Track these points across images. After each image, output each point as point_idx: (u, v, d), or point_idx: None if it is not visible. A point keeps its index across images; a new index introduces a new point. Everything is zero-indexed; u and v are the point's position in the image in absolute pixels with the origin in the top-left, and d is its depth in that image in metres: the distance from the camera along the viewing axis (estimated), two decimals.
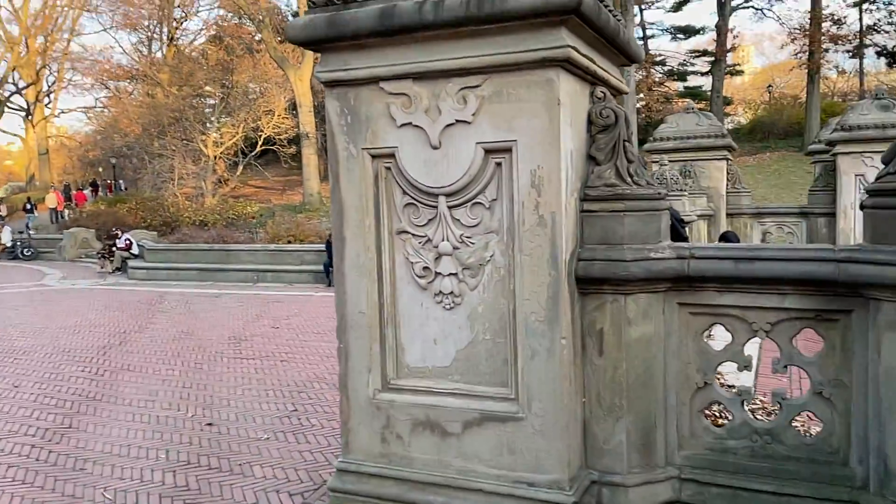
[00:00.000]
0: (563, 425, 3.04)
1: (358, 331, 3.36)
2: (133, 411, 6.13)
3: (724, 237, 9.05)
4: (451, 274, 3.19)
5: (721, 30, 36.28)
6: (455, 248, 3.16)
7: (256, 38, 35.42)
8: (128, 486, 4.47)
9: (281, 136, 32.53)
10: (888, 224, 2.78)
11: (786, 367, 3.16)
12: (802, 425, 4.30)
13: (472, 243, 3.14)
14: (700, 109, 12.58)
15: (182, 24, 44.05)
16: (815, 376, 3.08)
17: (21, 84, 45.05)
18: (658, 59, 39.98)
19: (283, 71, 31.68)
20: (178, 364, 7.99)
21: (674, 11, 40.89)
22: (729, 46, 37.62)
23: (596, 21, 2.93)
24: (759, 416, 4.57)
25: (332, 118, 3.25)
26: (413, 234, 3.25)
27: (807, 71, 35.07)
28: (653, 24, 43.01)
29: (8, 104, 44.74)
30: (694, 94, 38.08)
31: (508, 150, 2.97)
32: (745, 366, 3.21)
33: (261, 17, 32.14)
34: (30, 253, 26.08)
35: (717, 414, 4.44)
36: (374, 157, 3.22)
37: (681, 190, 9.38)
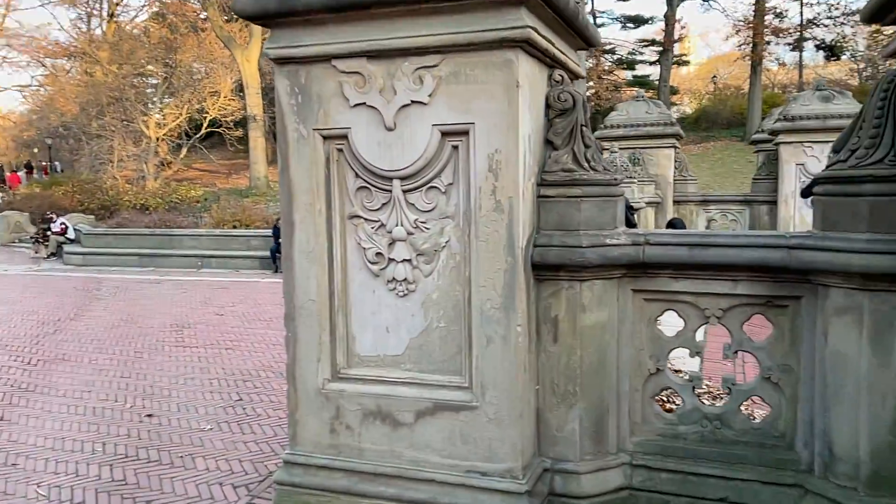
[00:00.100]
0: (518, 414, 3.00)
1: (307, 319, 3.25)
2: (68, 403, 5.86)
3: (672, 224, 9.21)
4: (404, 260, 3.10)
5: (669, 20, 36.87)
6: (409, 233, 3.08)
7: (202, 16, 34.33)
8: (62, 482, 4.26)
9: (227, 119, 31.67)
10: (838, 211, 2.82)
11: (736, 352, 3.19)
12: (747, 409, 4.39)
13: (427, 229, 3.06)
14: (649, 98, 12.74)
15: None
16: (765, 361, 3.11)
17: None
18: (608, 47, 40.43)
19: (229, 51, 30.80)
20: (116, 353, 7.69)
21: (624, 0, 41.42)
22: (676, 37, 38.29)
23: (556, 1, 2.86)
24: (704, 401, 4.64)
25: (282, 97, 3.12)
26: (366, 219, 3.15)
27: (750, 62, 35.98)
28: (603, 12, 43.44)
29: None
30: (642, 83, 38.67)
31: (465, 133, 2.90)
32: (696, 352, 3.23)
33: None
34: None
35: (665, 399, 4.50)
36: (325, 138, 3.10)
37: (630, 177, 9.49)
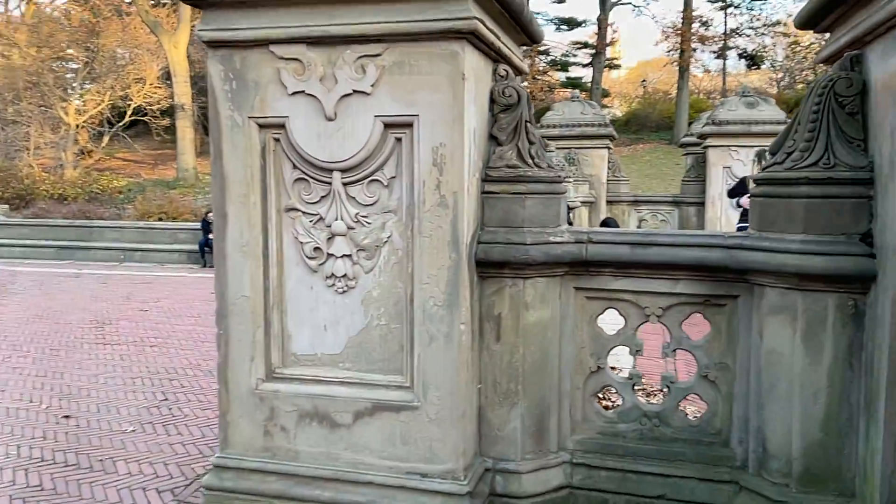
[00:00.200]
0: (460, 413, 2.94)
1: (240, 316, 3.10)
2: None
3: (605, 223, 9.36)
4: (344, 255, 3.00)
5: (602, 24, 37.63)
6: (350, 227, 2.97)
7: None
8: None
9: (153, 107, 30.47)
10: (774, 212, 2.87)
11: (675, 350, 3.22)
12: (683, 407, 4.47)
13: (369, 223, 2.96)
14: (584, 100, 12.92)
15: None
16: (702, 359, 3.15)
17: None
18: (542, 48, 40.94)
19: (156, 37, 29.63)
20: (30, 351, 7.25)
21: (558, 2, 42.01)
22: (608, 40, 39.11)
23: None
24: (641, 398, 4.71)
25: (215, 83, 2.95)
26: (303, 212, 3.02)
27: (678, 68, 37.11)
28: (538, 13, 43.97)
29: None
30: (575, 84, 39.31)
31: (409, 126, 2.81)
32: (637, 350, 3.25)
33: None
34: None
35: (601, 396, 4.53)
36: (261, 126, 2.96)
37: (566, 176, 9.57)
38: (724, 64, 41.69)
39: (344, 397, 3.06)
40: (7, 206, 21.86)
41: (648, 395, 5.02)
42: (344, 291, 3.04)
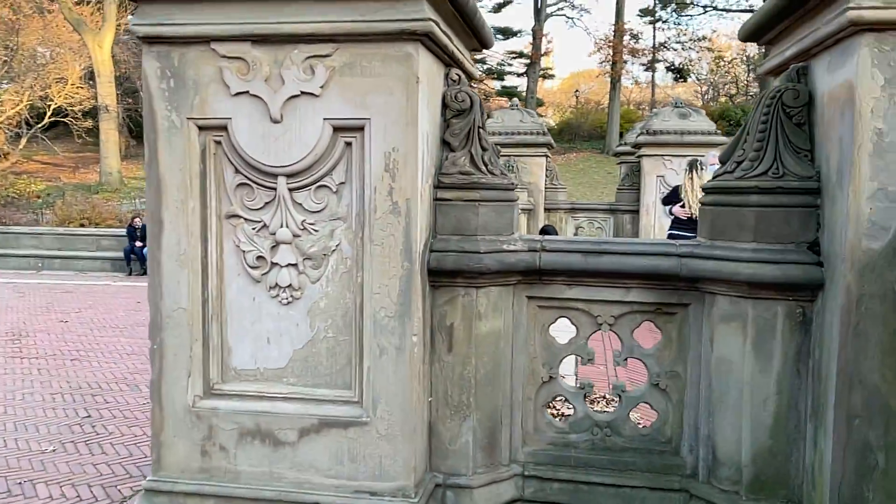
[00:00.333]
0: (412, 428, 2.84)
1: (176, 329, 2.92)
2: None
3: (545, 230, 9.43)
4: (289, 264, 2.85)
5: (536, 34, 38.28)
6: (295, 235, 2.83)
7: None
8: None
9: (75, 108, 29.14)
10: (724, 220, 2.89)
11: (626, 359, 3.20)
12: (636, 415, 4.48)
13: (316, 230, 2.83)
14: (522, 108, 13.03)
15: None
16: (653, 368, 3.15)
17: None
18: (479, 56, 41.34)
19: (79, 35, 28.36)
20: None
21: (494, 12, 42.45)
22: (543, 51, 39.80)
23: None
24: (594, 407, 4.71)
25: (151, 81, 2.77)
26: (246, 219, 2.87)
27: (610, 79, 38.06)
28: None
29: None
30: (510, 93, 39.77)
31: (360, 129, 2.70)
32: (588, 359, 3.22)
33: None
34: None
35: (554, 407, 4.50)
36: (201, 128, 2.79)
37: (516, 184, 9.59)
38: (653, 76, 43.08)
39: (288, 414, 2.91)
40: None
41: (592, 401, 5.03)
42: (289, 302, 2.89)
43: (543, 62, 41.32)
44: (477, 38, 3.32)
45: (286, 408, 2.92)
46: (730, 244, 2.84)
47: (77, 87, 29.13)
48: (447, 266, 2.90)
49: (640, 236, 11.18)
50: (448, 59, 3.02)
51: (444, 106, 3.03)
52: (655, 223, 10.92)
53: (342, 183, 2.79)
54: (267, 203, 2.84)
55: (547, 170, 11.84)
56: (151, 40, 2.73)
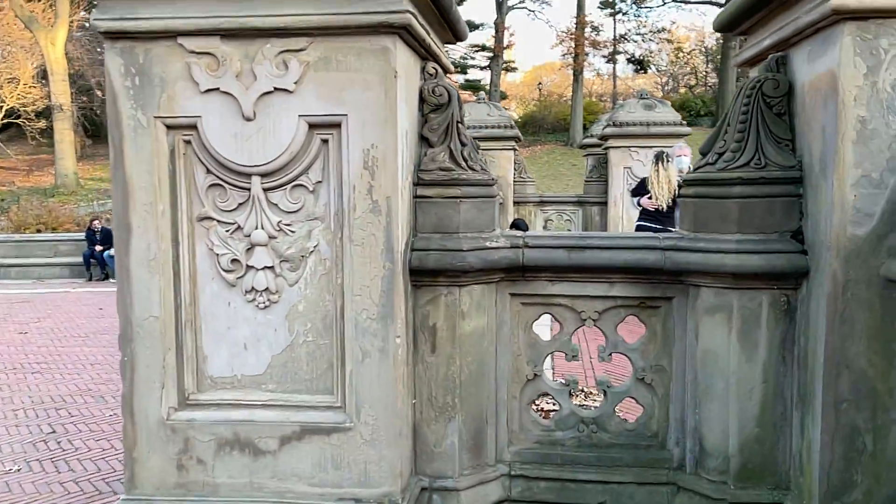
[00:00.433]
0: (397, 432, 2.76)
1: (148, 339, 2.79)
2: None
3: (515, 225, 9.40)
4: (266, 267, 2.75)
5: (499, 27, 38.31)
6: (271, 237, 2.73)
7: None
8: None
9: (27, 108, 28.31)
10: (708, 212, 2.87)
11: (611, 354, 3.17)
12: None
13: (293, 231, 2.73)
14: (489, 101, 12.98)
15: None
16: (638, 362, 3.12)
17: None
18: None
19: (31, 33, 27.51)
20: None
21: (456, 5, 42.15)
22: (506, 44, 39.85)
23: None
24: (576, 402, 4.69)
25: (115, 79, 2.63)
26: (219, 221, 2.75)
27: (572, 71, 38.29)
28: None
29: None
30: (474, 87, 39.76)
31: (337, 126, 2.61)
32: (573, 356, 3.18)
33: None
34: None
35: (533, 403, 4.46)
36: (170, 127, 2.67)
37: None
38: (615, 68, 43.50)
39: (268, 422, 2.81)
40: None
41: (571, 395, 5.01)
42: (266, 306, 2.79)
43: (506, 55, 41.39)
44: (452, 31, 3.25)
45: (266, 415, 2.82)
46: (714, 236, 2.82)
47: (30, 87, 28.30)
48: (429, 265, 2.83)
49: (608, 228, 11.24)
50: (424, 53, 2.94)
51: (422, 100, 2.95)
52: (623, 215, 10.98)
53: (319, 182, 2.69)
54: (241, 204, 2.73)
55: (515, 163, 11.83)
56: (114, 36, 2.59)
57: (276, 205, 2.71)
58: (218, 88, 2.60)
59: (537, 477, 3.15)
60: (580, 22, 37.71)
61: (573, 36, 37.93)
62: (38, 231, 17.06)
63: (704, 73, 45.69)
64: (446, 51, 3.35)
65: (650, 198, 7.87)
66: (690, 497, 2.99)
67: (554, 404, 4.28)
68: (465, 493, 3.04)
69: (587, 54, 39.33)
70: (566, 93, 42.32)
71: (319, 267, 2.75)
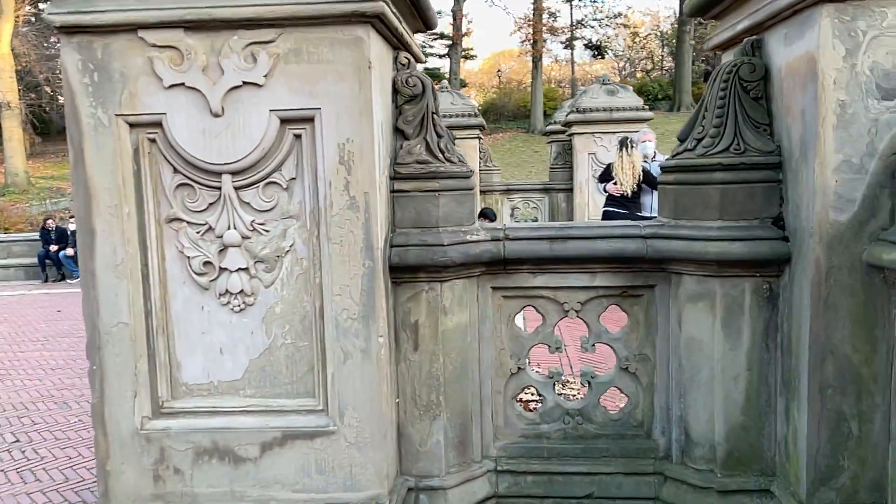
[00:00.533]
0: (382, 434, 2.70)
1: (117, 346, 2.67)
2: None
3: (483, 214, 9.35)
4: (240, 269, 2.65)
5: (456, 15, 38.09)
6: (245, 237, 2.62)
7: None
8: None
9: None
10: (689, 199, 2.84)
11: (594, 344, 3.14)
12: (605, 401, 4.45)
13: (267, 231, 2.63)
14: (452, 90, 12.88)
15: None
16: (621, 352, 3.10)
17: None
18: None
19: None
20: None
21: None
22: (464, 31, 39.67)
23: None
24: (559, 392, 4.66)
25: (72, 75, 2.49)
26: (189, 222, 2.64)
27: (531, 58, 38.32)
28: None
29: None
30: (434, 75, 39.53)
31: (310, 120, 2.51)
32: (556, 348, 3.14)
33: None
34: None
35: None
36: (133, 125, 2.54)
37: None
38: (572, 54, 43.68)
39: (248, 428, 2.72)
40: None
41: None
42: (241, 309, 2.69)
43: (464, 43, 41.23)
44: (422, 19, 3.16)
45: (245, 422, 2.73)
46: (696, 223, 2.80)
47: None
48: (409, 261, 2.76)
49: (574, 214, 11.28)
50: (397, 42, 2.86)
51: (395, 91, 2.87)
52: (589, 201, 11.01)
53: (293, 179, 2.59)
54: (211, 204, 2.61)
55: (480, 151, 11.77)
56: (70, 30, 2.45)
57: (248, 204, 2.61)
58: (183, 84, 2.48)
59: (524, 471, 3.11)
60: (538, 8, 37.73)
61: (531, 22, 37.93)
62: None
63: (660, 57, 46.20)
64: None
65: (615, 183, 7.91)
66: (677, 486, 2.98)
67: (534, 395, 4.26)
68: (452, 491, 2.99)
69: (545, 41, 39.41)
70: (525, 79, 42.39)
71: (296, 267, 2.66)
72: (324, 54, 2.46)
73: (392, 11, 2.58)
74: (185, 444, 2.73)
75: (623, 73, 46.50)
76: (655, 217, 7.89)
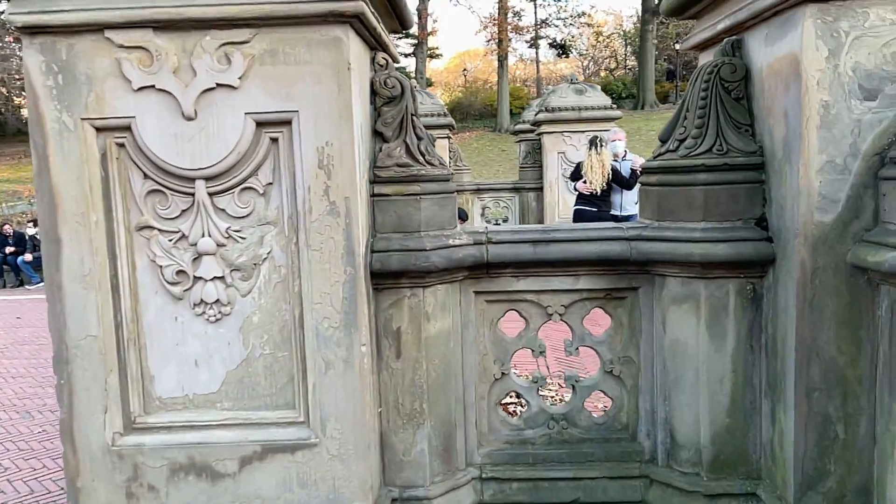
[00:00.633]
0: (366, 445, 2.62)
1: (86, 360, 2.55)
2: None
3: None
4: (215, 278, 2.55)
5: (422, 14, 37.93)
6: (220, 245, 2.53)
7: None
8: None
9: None
10: (673, 201, 2.82)
11: (577, 348, 3.11)
12: (591, 405, 4.41)
13: (243, 238, 2.54)
14: (420, 90, 12.80)
15: None
16: (605, 355, 3.07)
17: None
18: None
19: None
20: None
21: None
22: (429, 30, 39.56)
23: None
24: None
25: (35, 78, 2.37)
26: (161, 230, 2.53)
27: (497, 57, 38.37)
28: None
29: None
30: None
31: (288, 123, 2.42)
32: (540, 352, 3.10)
33: None
34: None
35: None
36: (99, 129, 2.42)
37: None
38: (537, 53, 43.88)
39: (226, 442, 2.62)
40: None
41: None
42: (217, 319, 2.59)
43: (430, 42, 41.13)
44: (399, 18, 3.09)
45: (223, 436, 2.63)
46: (680, 224, 2.78)
47: None
48: (391, 267, 2.68)
49: (545, 213, 11.27)
50: (374, 43, 2.78)
51: (373, 93, 2.79)
52: (559, 200, 11.03)
53: (270, 184, 2.50)
54: (184, 211, 2.51)
55: (450, 151, 11.69)
56: (33, 30, 2.32)
57: (223, 210, 2.51)
58: (153, 86, 2.37)
59: (509, 478, 3.06)
60: (503, 7, 37.80)
61: (496, 21, 37.98)
62: None
63: (624, 55, 46.67)
64: None
65: (585, 182, 7.95)
66: (663, 490, 2.96)
67: (515, 399, 4.22)
68: (437, 501, 2.93)
69: (510, 40, 39.52)
70: (491, 78, 42.46)
71: (274, 275, 2.57)
72: (301, 55, 2.38)
73: (371, 11, 2.50)
74: (160, 460, 2.62)
75: (587, 71, 46.85)
76: (626, 215, 7.90)
